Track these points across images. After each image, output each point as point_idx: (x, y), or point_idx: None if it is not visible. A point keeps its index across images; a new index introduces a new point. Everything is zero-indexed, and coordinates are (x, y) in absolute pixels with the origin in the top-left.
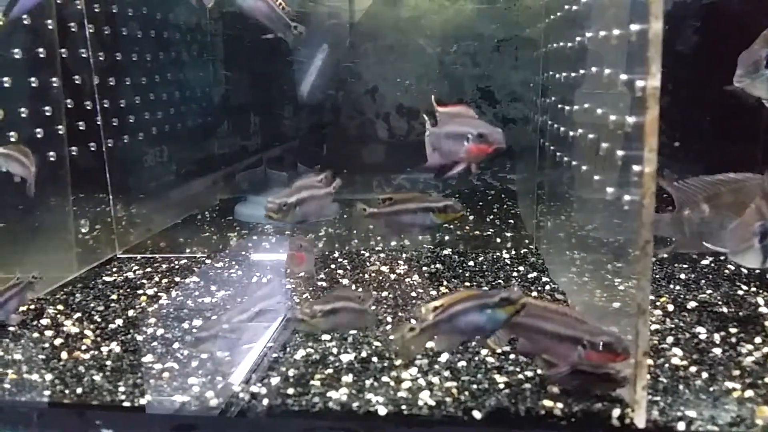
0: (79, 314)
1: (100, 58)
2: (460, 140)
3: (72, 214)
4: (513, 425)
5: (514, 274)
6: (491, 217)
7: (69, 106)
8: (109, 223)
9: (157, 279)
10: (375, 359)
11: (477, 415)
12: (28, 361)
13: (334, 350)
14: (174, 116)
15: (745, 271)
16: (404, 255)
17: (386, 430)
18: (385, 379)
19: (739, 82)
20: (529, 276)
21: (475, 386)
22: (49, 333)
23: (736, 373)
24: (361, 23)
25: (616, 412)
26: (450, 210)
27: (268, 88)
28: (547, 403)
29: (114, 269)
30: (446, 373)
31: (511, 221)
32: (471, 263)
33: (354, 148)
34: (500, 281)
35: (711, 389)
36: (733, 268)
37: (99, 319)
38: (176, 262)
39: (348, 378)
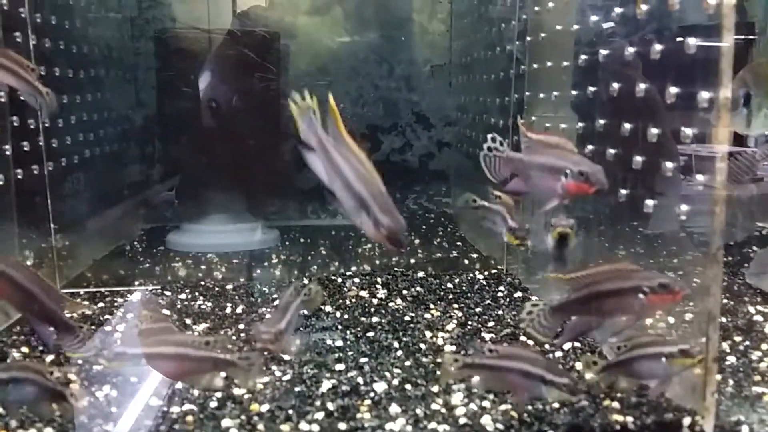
0: (51, 356)
1: (42, 73)
2: (556, 175)
3: (17, 244)
4: None
5: (498, 294)
6: (438, 240)
7: (15, 124)
8: (49, 255)
9: (120, 314)
10: (408, 386)
11: None
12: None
13: (360, 380)
14: (97, 139)
15: None
16: (379, 279)
17: None
18: (434, 407)
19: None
20: (515, 296)
21: (530, 407)
22: None
23: (758, 378)
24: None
25: (687, 420)
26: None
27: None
28: (618, 417)
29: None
30: (492, 396)
31: (459, 243)
32: (450, 285)
33: (284, 173)
34: (489, 302)
35: (744, 395)
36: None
37: (79, 362)
38: (129, 297)
39: (396, 408)
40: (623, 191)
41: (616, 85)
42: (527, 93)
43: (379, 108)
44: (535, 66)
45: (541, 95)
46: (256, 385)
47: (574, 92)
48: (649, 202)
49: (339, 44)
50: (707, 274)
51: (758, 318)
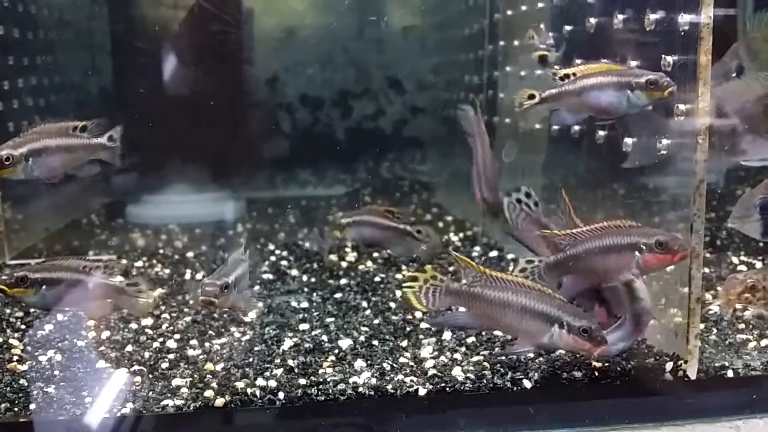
0: None
1: None
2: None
3: None
4: (570, 390)
5: (473, 254)
6: (413, 206)
7: None
8: None
9: None
10: (375, 342)
11: (527, 384)
12: None
13: (325, 338)
14: (50, 106)
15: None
16: (348, 243)
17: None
18: (402, 360)
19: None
20: (490, 255)
21: (504, 358)
22: None
23: (741, 326)
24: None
25: (669, 365)
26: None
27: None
28: (597, 364)
29: None
30: (463, 350)
31: (435, 209)
32: (423, 247)
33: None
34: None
35: (728, 342)
36: None
37: (23, 327)
38: None
39: (361, 363)
40: (601, 132)
41: (592, 20)
42: (501, 42)
43: (349, 72)
44: (509, 12)
45: (516, 43)
46: (147, 315)
47: (550, 34)
48: (628, 140)
49: (306, 5)
50: (692, 209)
51: (742, 268)
